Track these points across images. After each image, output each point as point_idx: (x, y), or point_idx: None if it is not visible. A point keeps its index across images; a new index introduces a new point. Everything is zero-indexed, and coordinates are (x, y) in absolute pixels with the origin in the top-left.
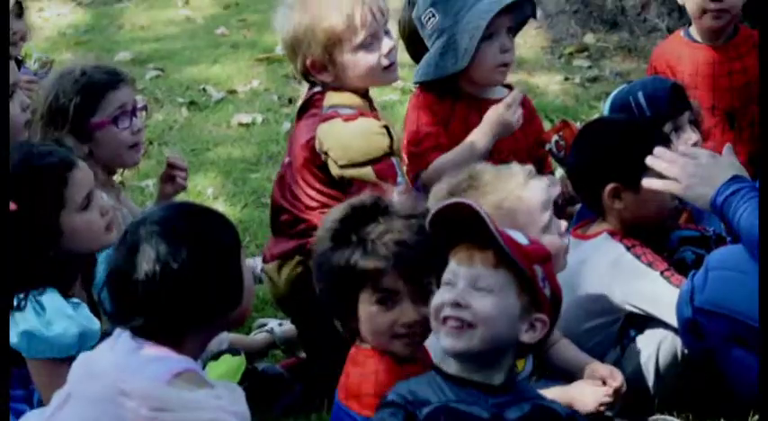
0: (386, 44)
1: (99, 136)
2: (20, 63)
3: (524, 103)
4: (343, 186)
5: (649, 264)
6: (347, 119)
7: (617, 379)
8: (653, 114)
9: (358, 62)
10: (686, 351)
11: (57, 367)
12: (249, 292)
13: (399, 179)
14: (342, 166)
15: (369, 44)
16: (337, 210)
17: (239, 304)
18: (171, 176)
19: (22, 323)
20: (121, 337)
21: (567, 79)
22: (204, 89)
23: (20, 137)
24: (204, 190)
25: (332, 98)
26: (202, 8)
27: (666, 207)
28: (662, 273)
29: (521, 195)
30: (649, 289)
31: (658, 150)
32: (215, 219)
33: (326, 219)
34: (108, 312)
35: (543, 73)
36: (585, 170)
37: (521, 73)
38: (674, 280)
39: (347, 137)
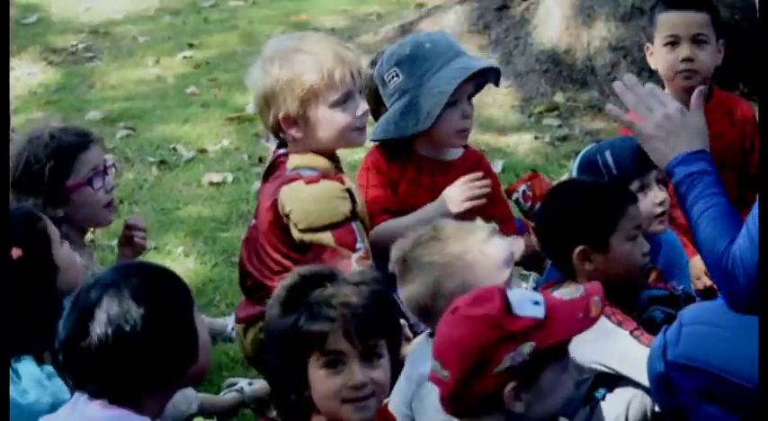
0: (360, 106)
1: (74, 198)
2: None
3: (479, 163)
4: (305, 250)
5: (619, 324)
6: (309, 181)
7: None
8: (620, 173)
9: (331, 120)
10: (657, 408)
11: None
12: (205, 349)
13: (359, 245)
14: (301, 230)
15: (343, 103)
16: (287, 279)
17: (195, 361)
18: (129, 238)
19: None
20: (80, 400)
21: (536, 138)
22: (174, 148)
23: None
24: (174, 249)
25: (295, 160)
26: (173, 67)
27: (637, 265)
28: (631, 332)
29: (483, 250)
30: (619, 348)
31: (628, 78)
32: (166, 277)
33: (277, 287)
34: (65, 376)
35: (513, 131)
36: (553, 232)
37: (490, 132)
38: (643, 339)
39: (308, 200)
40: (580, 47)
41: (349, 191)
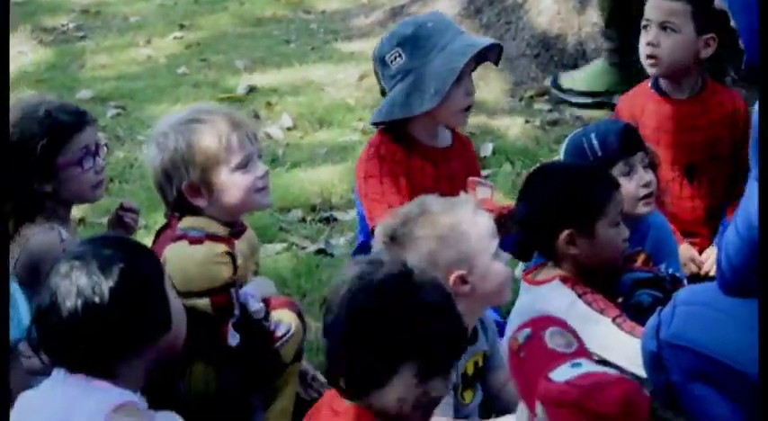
0: (260, 168)
1: (63, 176)
2: None
3: (466, 148)
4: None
5: (601, 311)
6: (192, 241)
7: None
8: (605, 155)
9: (234, 183)
10: (650, 388)
11: None
12: (178, 317)
13: (236, 311)
14: (179, 294)
15: (244, 166)
16: None
17: (168, 330)
18: (120, 219)
19: None
20: (59, 375)
21: (527, 122)
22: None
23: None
24: None
25: (186, 221)
26: (164, 48)
27: (618, 251)
28: (614, 319)
29: (474, 220)
30: (601, 335)
31: None
32: (133, 248)
33: None
34: (39, 351)
35: (504, 115)
36: (537, 218)
37: (481, 115)
38: (625, 326)
39: (188, 263)
40: (571, 32)
41: (231, 255)
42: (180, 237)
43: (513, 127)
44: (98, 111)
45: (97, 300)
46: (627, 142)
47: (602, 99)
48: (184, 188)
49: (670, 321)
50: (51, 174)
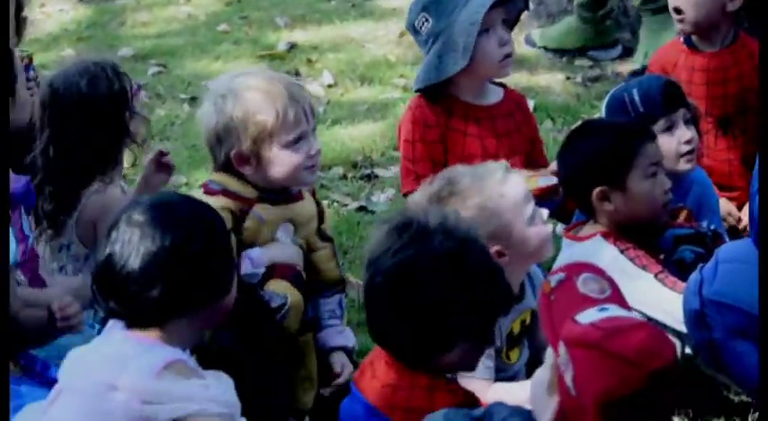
0: (313, 146)
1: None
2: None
3: (519, 105)
4: None
5: (644, 267)
6: (207, 192)
7: None
8: (646, 111)
9: (284, 160)
10: (688, 349)
11: None
12: (234, 284)
13: None
14: None
15: (296, 143)
16: None
17: (228, 292)
18: (159, 163)
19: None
20: (112, 330)
21: (568, 78)
22: (206, 85)
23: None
24: None
25: (216, 175)
26: (204, 5)
27: (657, 203)
28: (656, 275)
29: (502, 192)
30: (644, 291)
31: None
32: (199, 207)
33: None
34: (100, 305)
35: (545, 72)
36: (572, 175)
37: (522, 72)
38: (668, 282)
39: None
40: None
41: (233, 212)
42: (202, 186)
43: (554, 84)
44: (139, 69)
45: (161, 256)
46: (669, 98)
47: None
48: (233, 156)
49: (713, 278)
50: (122, 128)
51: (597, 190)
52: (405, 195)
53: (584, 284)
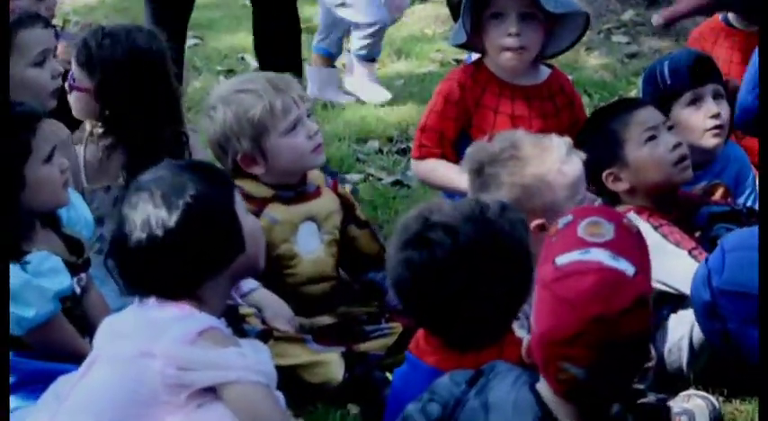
0: (311, 127)
1: None
2: (57, 31)
3: (563, 89)
4: None
5: (677, 244)
6: None
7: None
8: (673, 83)
9: (285, 147)
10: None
11: (52, 324)
12: (253, 237)
13: None
14: None
15: (293, 128)
16: None
17: (242, 251)
18: None
19: None
20: (144, 299)
21: (606, 55)
22: (242, 57)
23: (48, 104)
24: None
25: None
26: None
27: (665, 163)
28: (690, 251)
29: (562, 169)
30: (678, 268)
31: None
32: (201, 172)
33: None
34: (118, 282)
35: (582, 48)
36: (587, 168)
37: None
38: (701, 258)
39: None
40: None
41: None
42: None
43: (592, 60)
44: None
45: (163, 227)
46: (697, 72)
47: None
48: (240, 159)
49: (721, 269)
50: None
51: (606, 174)
52: (421, 158)
53: (585, 228)
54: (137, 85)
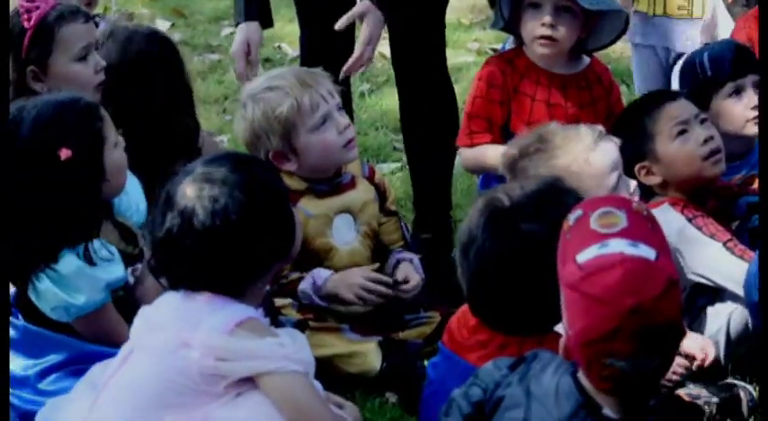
0: (341, 122)
1: None
2: (96, 23)
3: (600, 79)
4: None
5: (712, 236)
6: None
7: (708, 355)
8: (713, 74)
9: (315, 143)
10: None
11: (101, 313)
12: (298, 231)
13: None
14: None
15: (322, 124)
16: None
17: (293, 244)
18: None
19: (50, 299)
20: (182, 289)
21: None
22: (279, 46)
23: (94, 98)
24: None
25: None
26: None
27: (696, 157)
28: (725, 243)
29: (588, 159)
30: (711, 258)
31: None
32: (259, 165)
33: None
34: (163, 277)
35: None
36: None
37: None
38: (736, 251)
39: None
40: None
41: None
42: None
43: (628, 50)
44: (212, 30)
45: (231, 217)
46: (738, 63)
47: None
48: (271, 157)
49: None
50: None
51: (638, 167)
52: (470, 145)
53: (596, 219)
54: (134, 87)
